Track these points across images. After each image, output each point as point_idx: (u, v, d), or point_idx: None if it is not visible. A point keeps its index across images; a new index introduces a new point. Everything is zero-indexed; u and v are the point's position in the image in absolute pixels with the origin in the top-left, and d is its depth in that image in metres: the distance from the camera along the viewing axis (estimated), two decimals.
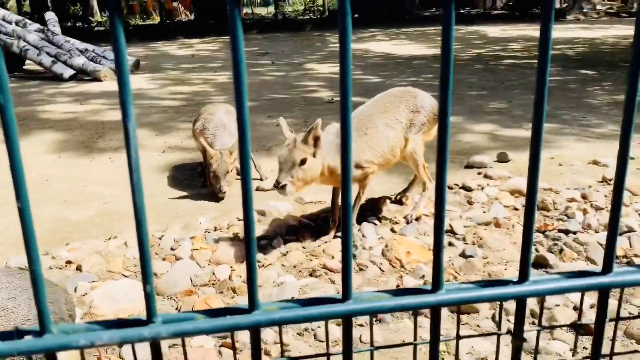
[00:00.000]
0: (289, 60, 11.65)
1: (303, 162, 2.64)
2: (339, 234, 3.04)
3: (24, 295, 1.82)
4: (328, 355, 0.71)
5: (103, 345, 0.57)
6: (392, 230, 3.05)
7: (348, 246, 0.64)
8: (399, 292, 0.64)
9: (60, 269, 2.75)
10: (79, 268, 2.73)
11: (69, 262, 2.80)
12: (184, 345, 0.74)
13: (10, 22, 10.24)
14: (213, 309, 0.61)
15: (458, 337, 0.76)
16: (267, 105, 6.93)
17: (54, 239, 3.14)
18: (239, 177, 4.18)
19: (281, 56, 12.49)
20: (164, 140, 5.35)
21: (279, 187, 2.63)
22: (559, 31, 15.83)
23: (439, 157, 0.66)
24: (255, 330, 0.63)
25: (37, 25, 10.36)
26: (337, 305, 0.62)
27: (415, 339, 0.75)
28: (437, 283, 0.65)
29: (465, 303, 0.66)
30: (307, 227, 3.12)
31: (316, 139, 2.66)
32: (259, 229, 3.10)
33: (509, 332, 0.72)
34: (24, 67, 10.62)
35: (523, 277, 0.69)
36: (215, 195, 3.72)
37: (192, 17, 24.16)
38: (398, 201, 3.44)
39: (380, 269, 2.63)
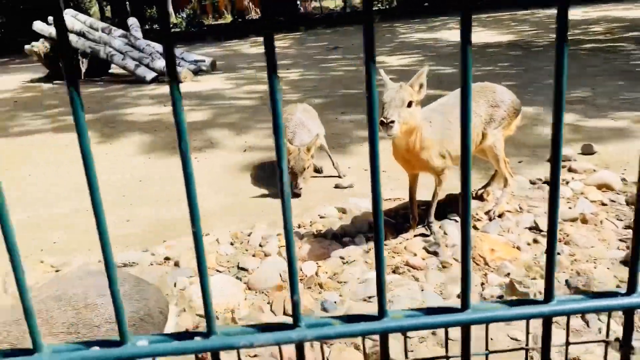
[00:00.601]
0: (359, 54, 11.67)
1: (410, 104, 2.58)
2: (419, 231, 3.08)
3: None
4: (447, 357, 0.77)
5: (259, 346, 0.67)
6: (475, 227, 3.05)
7: (467, 256, 0.70)
8: (513, 302, 0.70)
9: (160, 264, 2.98)
10: (176, 264, 2.94)
11: (167, 258, 3.02)
12: (322, 347, 0.83)
13: (97, 30, 10.92)
14: (347, 315, 0.70)
15: (567, 344, 0.80)
16: (340, 101, 7.02)
17: (151, 236, 3.38)
18: (317, 174, 4.31)
19: (351, 50, 12.53)
20: (244, 139, 5.57)
21: (387, 122, 2.50)
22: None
23: (554, 154, 0.70)
24: (384, 336, 0.71)
25: (121, 31, 10.99)
26: (458, 314, 0.69)
27: (527, 344, 0.80)
28: (549, 294, 0.70)
29: (576, 313, 0.71)
30: (388, 224, 3.18)
31: (421, 86, 2.64)
32: (341, 226, 3.20)
33: (617, 340, 0.76)
34: (109, 71, 11.30)
35: (631, 289, 0.72)
36: (295, 193, 3.86)
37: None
38: (479, 197, 3.43)
39: None
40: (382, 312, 0.69)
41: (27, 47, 11.07)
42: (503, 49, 10.43)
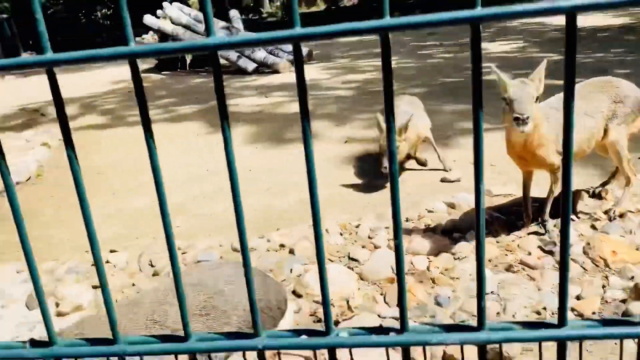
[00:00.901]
0: (457, 40, 11.39)
1: (537, 99, 2.53)
2: (533, 229, 3.02)
3: (239, 283, 2.11)
4: None
5: (449, 344, 0.75)
6: (593, 227, 2.95)
7: None
8: None
9: (276, 251, 3.16)
10: (291, 251, 3.10)
11: (282, 245, 3.19)
12: (500, 350, 0.90)
13: (201, 22, 11.48)
14: (526, 322, 0.76)
15: None
16: (440, 90, 6.93)
17: (265, 224, 3.58)
18: (422, 167, 4.32)
19: (449, 36, 12.25)
20: (344, 131, 5.67)
21: (523, 119, 2.45)
22: None
23: None
24: (562, 344, 0.76)
25: (223, 23, 11.48)
26: (638, 327, 0.73)
27: None
28: None
29: None
30: (499, 221, 3.15)
31: (539, 81, 2.57)
32: (451, 221, 3.21)
33: None
34: None
35: None
36: (400, 185, 3.90)
37: (355, 1, 24.64)
38: (597, 195, 3.30)
39: (582, 267, 2.59)
40: (562, 320, 0.74)
41: (137, 39, 11.87)
42: (616, 33, 9.76)
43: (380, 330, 0.77)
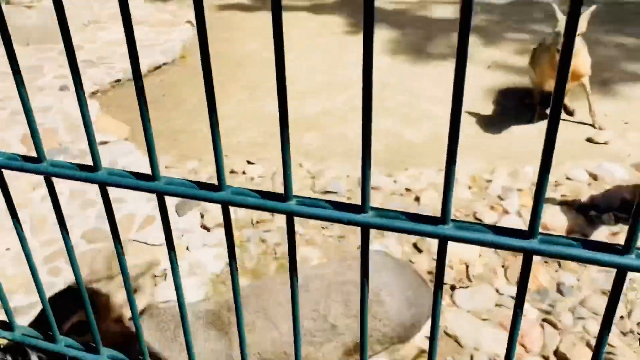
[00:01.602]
0: None
1: None
2: None
3: (398, 294, 1.93)
4: None
5: None
6: None
7: None
8: None
9: (401, 195, 3.21)
10: (417, 199, 3.15)
11: (407, 189, 3.24)
12: None
13: None
14: None
15: None
16: (605, 12, 6.09)
17: (394, 159, 3.60)
18: (569, 117, 3.92)
19: None
20: (489, 51, 5.29)
21: None
22: None
23: None
24: None
25: None
26: None
27: None
28: None
29: None
30: None
31: None
32: (590, 196, 3.04)
33: None
34: None
35: None
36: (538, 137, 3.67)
37: None
38: None
39: None
40: None
41: None
42: None
43: None
